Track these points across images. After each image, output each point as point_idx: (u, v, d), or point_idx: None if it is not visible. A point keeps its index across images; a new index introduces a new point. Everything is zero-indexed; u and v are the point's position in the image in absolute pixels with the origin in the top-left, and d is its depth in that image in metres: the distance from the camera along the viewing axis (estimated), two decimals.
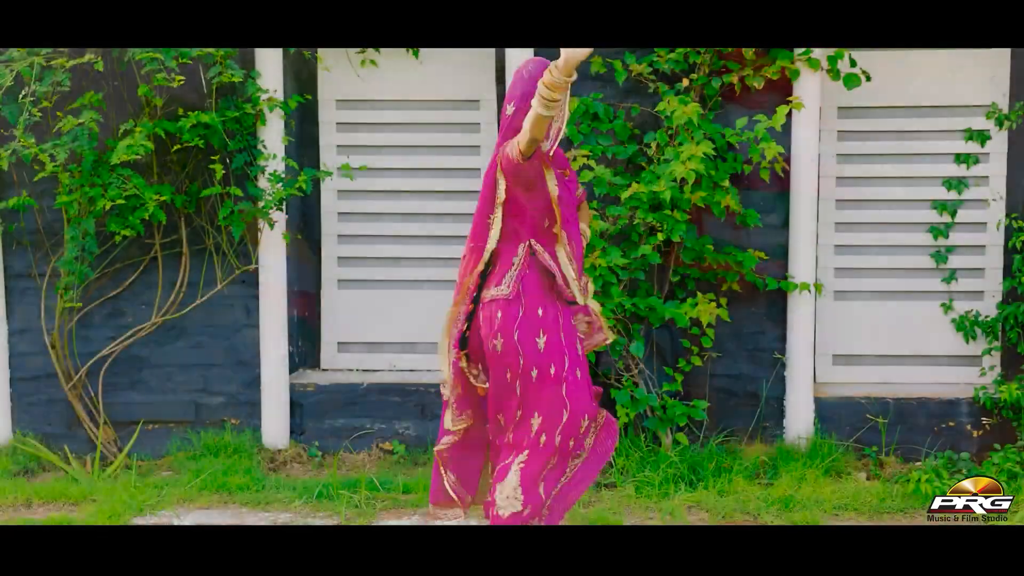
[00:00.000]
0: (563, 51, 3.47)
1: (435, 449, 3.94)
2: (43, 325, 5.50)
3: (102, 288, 5.55)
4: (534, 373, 3.76)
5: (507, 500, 3.74)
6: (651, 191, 5.01)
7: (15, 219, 5.51)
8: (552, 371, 3.76)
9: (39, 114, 4.97)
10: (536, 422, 3.77)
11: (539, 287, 3.80)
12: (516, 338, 3.75)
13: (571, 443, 3.82)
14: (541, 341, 3.77)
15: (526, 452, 3.77)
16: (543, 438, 3.78)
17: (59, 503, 4.95)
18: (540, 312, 3.78)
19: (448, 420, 3.89)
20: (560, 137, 3.72)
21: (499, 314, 3.76)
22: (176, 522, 4.68)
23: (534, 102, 3.48)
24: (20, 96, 4.95)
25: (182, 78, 5.04)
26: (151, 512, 4.80)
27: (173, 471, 5.38)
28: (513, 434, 3.81)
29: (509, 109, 3.76)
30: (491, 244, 3.79)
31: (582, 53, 3.47)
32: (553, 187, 3.74)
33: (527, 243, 3.79)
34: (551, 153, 3.74)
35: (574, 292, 3.82)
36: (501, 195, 3.72)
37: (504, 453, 3.83)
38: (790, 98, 5.27)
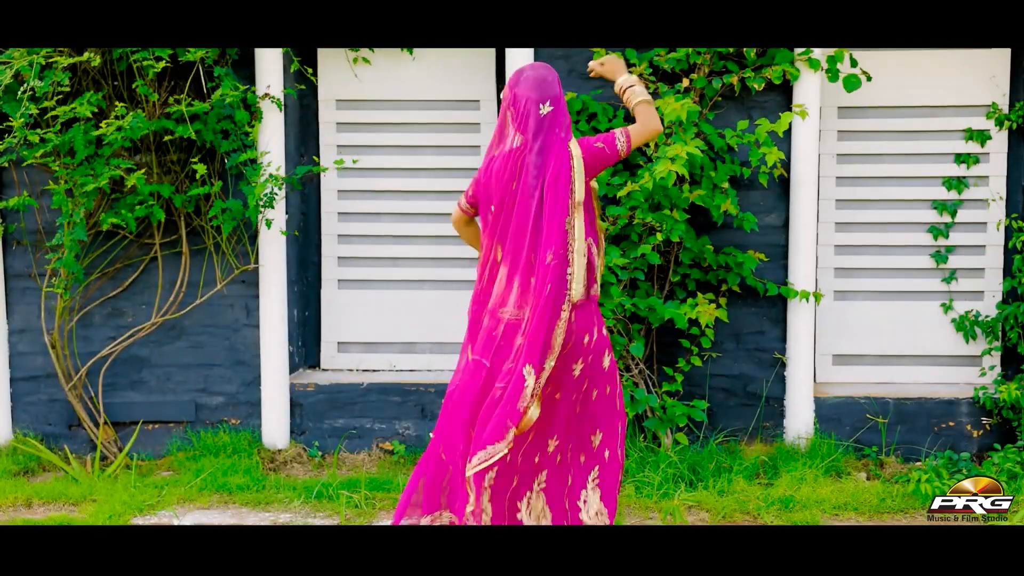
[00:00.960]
0: (613, 61, 3.95)
1: (480, 471, 3.65)
2: (43, 325, 5.50)
3: (102, 288, 5.56)
4: (607, 389, 3.91)
5: (597, 517, 3.88)
6: (643, 186, 4.98)
7: (15, 219, 5.51)
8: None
9: (36, 109, 4.95)
10: (598, 438, 3.93)
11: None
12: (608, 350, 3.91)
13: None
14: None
15: (597, 468, 3.91)
16: (607, 453, 3.91)
17: (59, 503, 4.95)
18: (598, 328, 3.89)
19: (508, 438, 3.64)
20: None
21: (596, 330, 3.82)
22: (176, 522, 4.68)
23: (647, 98, 3.78)
24: (19, 92, 4.94)
25: (164, 63, 5.06)
26: (151, 512, 4.80)
27: (173, 471, 5.38)
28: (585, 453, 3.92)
29: (544, 109, 3.69)
30: (580, 246, 3.70)
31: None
32: (593, 182, 3.82)
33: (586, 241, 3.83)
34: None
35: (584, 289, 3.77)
36: (581, 195, 3.70)
37: (561, 471, 3.88)
38: (794, 105, 5.25)
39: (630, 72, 3.93)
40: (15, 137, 4.95)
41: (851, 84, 5.26)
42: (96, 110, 5.08)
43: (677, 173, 4.89)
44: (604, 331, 3.86)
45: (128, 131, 4.92)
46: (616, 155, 3.73)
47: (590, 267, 3.76)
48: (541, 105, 3.69)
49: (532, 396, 3.58)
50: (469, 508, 3.63)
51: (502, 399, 3.61)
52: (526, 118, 3.70)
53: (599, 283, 3.85)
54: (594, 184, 3.82)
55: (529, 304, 3.65)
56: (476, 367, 3.75)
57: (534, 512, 3.83)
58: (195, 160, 5.28)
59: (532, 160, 3.66)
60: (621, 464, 3.96)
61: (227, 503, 4.95)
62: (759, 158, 5.15)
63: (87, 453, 5.50)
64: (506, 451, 3.57)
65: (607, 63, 3.95)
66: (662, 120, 4.10)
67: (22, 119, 4.88)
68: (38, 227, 5.52)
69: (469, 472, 3.59)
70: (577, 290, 3.67)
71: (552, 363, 3.62)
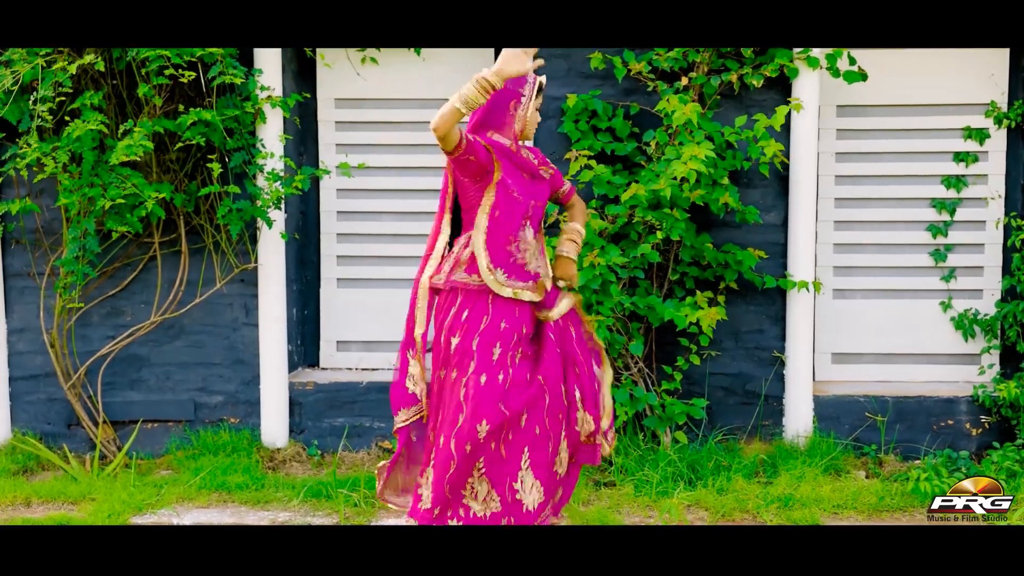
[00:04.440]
0: (504, 60, 3.61)
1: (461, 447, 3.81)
2: (42, 324, 5.50)
3: (101, 287, 5.55)
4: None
5: (534, 493, 3.88)
6: (650, 190, 5.00)
7: (14, 219, 5.50)
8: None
9: (50, 117, 4.96)
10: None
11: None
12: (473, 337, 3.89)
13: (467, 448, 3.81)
14: (455, 341, 3.85)
15: (526, 447, 3.87)
16: (537, 429, 3.84)
17: (58, 502, 4.95)
18: (465, 314, 3.87)
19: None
20: (530, 131, 3.88)
21: (465, 313, 3.85)
22: (175, 521, 4.68)
23: (459, 96, 3.57)
24: (30, 101, 4.95)
25: (192, 73, 5.03)
26: (150, 511, 4.80)
27: (172, 470, 5.38)
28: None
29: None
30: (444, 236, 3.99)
31: (520, 68, 3.61)
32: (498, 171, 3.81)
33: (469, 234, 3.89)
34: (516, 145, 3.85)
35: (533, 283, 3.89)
36: (449, 186, 3.93)
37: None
38: (790, 99, 5.27)
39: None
40: (24, 148, 4.97)
41: (852, 76, 5.27)
42: (106, 119, 5.08)
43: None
44: (515, 313, 3.86)
45: (137, 148, 4.92)
46: (446, 153, 3.70)
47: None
48: None
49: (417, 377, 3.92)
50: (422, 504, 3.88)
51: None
52: None
53: (494, 265, 3.86)
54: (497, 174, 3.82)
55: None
56: None
57: (479, 496, 3.83)
58: (212, 158, 5.28)
59: None
60: (549, 441, 3.85)
61: (226, 502, 4.95)
62: (758, 152, 5.16)
63: (86, 452, 5.50)
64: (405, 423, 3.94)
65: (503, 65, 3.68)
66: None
67: (34, 131, 4.91)
68: (37, 227, 5.51)
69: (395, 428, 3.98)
70: (432, 272, 3.93)
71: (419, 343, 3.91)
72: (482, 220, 3.82)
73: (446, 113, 3.56)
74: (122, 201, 5.06)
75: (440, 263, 3.93)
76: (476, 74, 3.60)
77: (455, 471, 3.77)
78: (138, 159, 5.05)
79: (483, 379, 3.76)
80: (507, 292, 3.82)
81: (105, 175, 5.12)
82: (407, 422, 3.95)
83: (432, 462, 3.85)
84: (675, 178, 4.94)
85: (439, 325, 3.87)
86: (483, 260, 3.83)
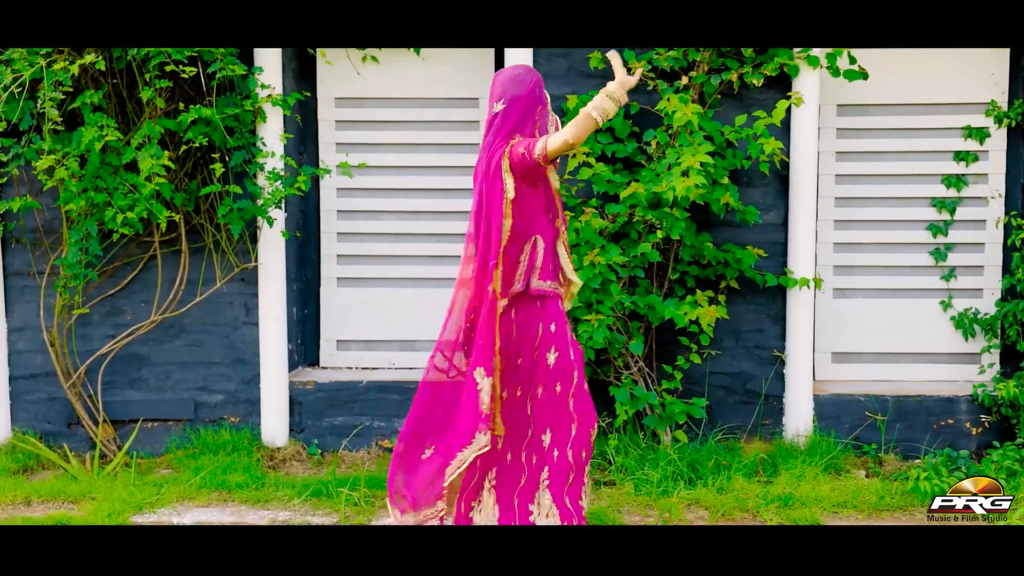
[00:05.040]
0: (622, 77, 3.71)
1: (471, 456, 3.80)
2: (42, 323, 5.50)
3: (101, 286, 5.55)
4: (558, 387, 3.90)
5: (548, 519, 3.88)
6: (651, 191, 5.00)
7: (14, 218, 5.50)
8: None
9: (59, 118, 4.95)
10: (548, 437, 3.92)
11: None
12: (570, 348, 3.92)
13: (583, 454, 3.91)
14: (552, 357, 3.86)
15: (546, 468, 3.89)
16: (556, 453, 3.87)
17: (58, 501, 4.95)
18: (553, 327, 3.89)
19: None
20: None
21: (552, 326, 3.84)
22: (175, 520, 4.68)
23: (593, 114, 3.60)
24: (37, 104, 4.95)
25: (193, 69, 5.02)
26: (150, 510, 4.80)
27: (172, 469, 5.38)
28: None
29: (498, 107, 3.81)
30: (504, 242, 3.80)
31: (633, 79, 3.73)
32: (555, 180, 3.84)
33: (532, 240, 3.83)
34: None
35: (572, 278, 3.92)
36: (511, 192, 3.74)
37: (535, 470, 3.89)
38: (790, 93, 5.27)
39: (628, 73, 3.93)
40: (26, 148, 4.97)
41: (852, 75, 5.26)
42: (114, 124, 5.08)
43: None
44: (554, 328, 3.87)
45: (158, 167, 4.93)
46: (532, 161, 3.69)
47: (530, 263, 3.84)
48: (495, 103, 3.82)
49: (491, 400, 3.73)
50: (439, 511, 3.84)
51: (459, 404, 3.77)
52: (488, 115, 3.86)
53: (550, 278, 3.89)
54: (554, 182, 3.86)
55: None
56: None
57: (484, 510, 3.84)
58: (214, 157, 5.29)
59: (481, 156, 3.85)
60: (575, 467, 3.88)
61: (226, 501, 4.95)
62: (758, 151, 5.16)
63: (86, 451, 5.50)
64: (473, 457, 3.74)
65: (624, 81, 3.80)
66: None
67: (47, 133, 4.92)
68: (37, 226, 5.51)
69: (445, 482, 3.76)
70: (501, 286, 3.79)
71: (498, 361, 3.75)
72: (543, 222, 3.86)
73: (587, 127, 3.60)
74: (125, 202, 5.06)
75: (507, 273, 3.82)
76: (607, 92, 3.63)
77: (573, 480, 3.83)
78: (158, 175, 5.05)
79: (585, 385, 3.90)
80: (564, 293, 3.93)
81: (109, 178, 5.12)
82: (485, 449, 3.78)
83: (545, 481, 3.85)
84: (673, 188, 4.91)
85: (519, 338, 3.84)
86: (568, 263, 3.91)
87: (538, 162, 3.67)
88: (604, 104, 3.63)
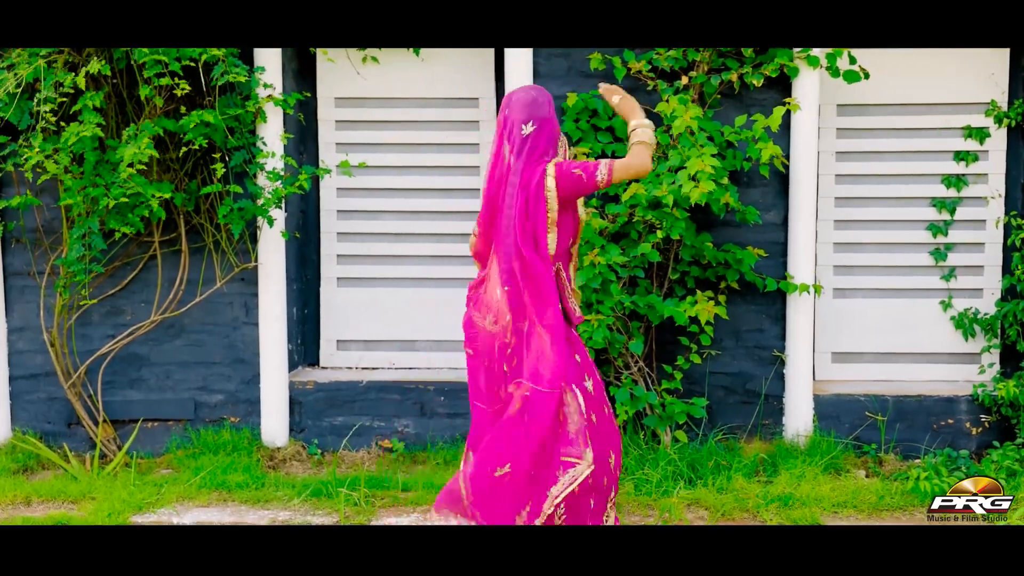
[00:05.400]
0: (632, 103, 3.98)
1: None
2: (42, 323, 5.50)
3: (101, 286, 5.55)
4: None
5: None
6: (651, 194, 5.00)
7: (14, 217, 5.50)
8: None
9: (53, 118, 4.95)
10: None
11: None
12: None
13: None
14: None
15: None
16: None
17: (58, 501, 4.95)
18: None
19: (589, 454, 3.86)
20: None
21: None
22: (175, 520, 4.68)
23: (650, 142, 3.83)
24: (35, 103, 4.95)
25: (187, 86, 5.02)
26: (150, 510, 4.80)
27: (172, 469, 5.38)
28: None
29: (527, 128, 3.87)
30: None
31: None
32: (583, 211, 3.98)
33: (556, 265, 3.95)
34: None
35: (575, 307, 4.00)
36: (554, 215, 3.85)
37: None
38: (787, 99, 5.27)
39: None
40: (24, 147, 4.97)
41: (852, 77, 5.26)
42: (103, 122, 5.08)
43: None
44: (579, 358, 3.98)
45: (143, 155, 4.92)
46: (594, 185, 3.81)
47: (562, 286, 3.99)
48: (524, 125, 3.87)
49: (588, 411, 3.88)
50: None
51: (565, 422, 3.85)
52: (513, 137, 3.88)
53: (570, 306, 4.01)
54: (583, 215, 3.98)
55: (524, 318, 3.87)
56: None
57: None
58: (215, 157, 5.29)
59: (513, 179, 3.86)
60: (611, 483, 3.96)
61: (226, 501, 4.95)
62: (758, 152, 5.15)
63: (86, 451, 5.50)
64: (588, 472, 3.82)
65: (622, 104, 4.01)
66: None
67: (38, 132, 4.91)
68: (37, 225, 5.51)
69: (550, 507, 3.83)
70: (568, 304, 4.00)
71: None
72: (565, 247, 3.96)
73: (649, 156, 3.81)
74: (125, 200, 5.05)
75: (563, 294, 3.98)
76: (641, 120, 3.88)
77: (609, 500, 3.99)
78: (143, 167, 5.05)
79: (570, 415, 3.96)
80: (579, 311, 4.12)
81: (107, 175, 5.12)
82: (591, 468, 3.85)
83: (610, 492, 3.95)
84: (679, 190, 4.92)
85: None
86: (571, 284, 4.02)
87: (598, 185, 3.80)
88: (650, 131, 3.86)
